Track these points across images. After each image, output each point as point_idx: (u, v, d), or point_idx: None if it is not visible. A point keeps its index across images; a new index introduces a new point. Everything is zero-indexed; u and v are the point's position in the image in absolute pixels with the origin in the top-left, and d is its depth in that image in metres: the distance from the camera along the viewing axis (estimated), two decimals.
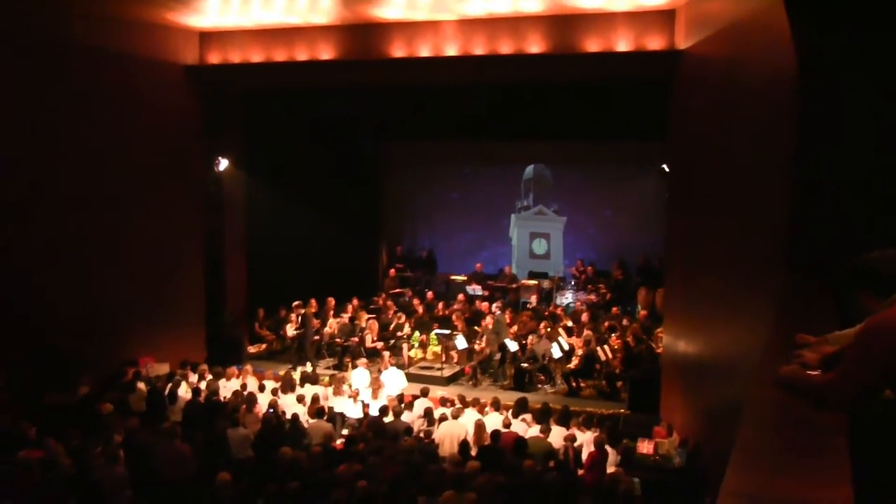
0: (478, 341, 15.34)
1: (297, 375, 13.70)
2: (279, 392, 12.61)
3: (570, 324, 16.06)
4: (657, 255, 17.16)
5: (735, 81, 9.20)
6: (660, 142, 13.93)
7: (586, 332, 15.10)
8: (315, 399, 12.00)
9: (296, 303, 16.46)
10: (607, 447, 10.21)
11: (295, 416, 11.22)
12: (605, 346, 14.61)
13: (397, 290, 19.24)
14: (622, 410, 13.17)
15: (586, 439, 10.75)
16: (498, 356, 14.98)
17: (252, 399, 11.93)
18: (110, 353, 13.59)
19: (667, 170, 14.14)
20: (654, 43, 12.81)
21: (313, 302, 16.78)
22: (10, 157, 12.08)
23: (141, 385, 12.65)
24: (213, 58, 15.47)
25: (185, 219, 15.49)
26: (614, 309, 17.14)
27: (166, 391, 12.51)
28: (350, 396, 12.72)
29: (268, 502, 7.86)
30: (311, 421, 11.41)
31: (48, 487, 8.08)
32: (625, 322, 16.02)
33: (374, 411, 12.05)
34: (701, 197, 10.87)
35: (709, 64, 10.77)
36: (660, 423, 11.83)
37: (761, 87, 8.03)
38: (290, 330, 16.38)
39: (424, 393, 12.50)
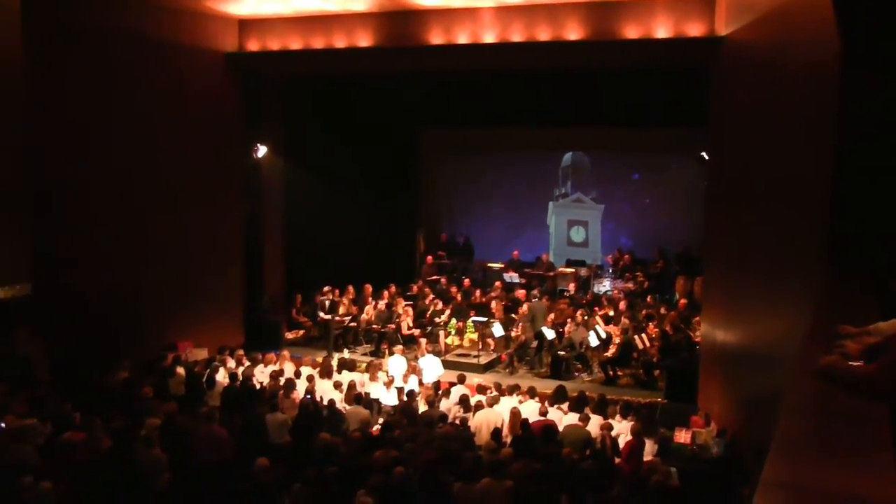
0: (514, 329, 15.30)
1: (334, 362, 13.76)
2: (316, 378, 12.67)
3: (610, 313, 15.95)
4: (696, 244, 16.98)
5: (777, 68, 9.06)
6: (699, 129, 13.77)
7: (623, 321, 15.02)
8: (352, 385, 12.04)
9: (325, 288, 16.45)
10: (644, 436, 10.16)
11: (332, 402, 11.27)
12: (643, 335, 14.52)
13: (434, 277, 19.25)
14: (659, 399, 13.07)
15: (623, 428, 10.70)
16: (534, 344, 14.95)
17: (289, 385, 12.01)
18: (150, 338, 13.81)
19: (706, 157, 13.98)
20: (694, 29, 12.65)
21: (350, 288, 16.87)
22: (57, 143, 12.29)
23: (180, 370, 12.81)
24: (253, 45, 15.57)
25: (224, 205, 15.66)
26: (650, 297, 17.04)
27: (204, 376, 12.63)
28: (385, 384, 12.76)
29: (306, 486, 7.92)
30: (348, 407, 11.47)
31: (89, 468, 8.22)
32: (662, 310, 15.90)
33: (406, 397, 12.06)
34: (741, 185, 10.73)
35: (750, 50, 10.62)
36: (697, 413, 11.70)
37: (804, 73, 7.90)
38: (322, 316, 16.49)
39: (461, 380, 12.50)
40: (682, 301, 16.24)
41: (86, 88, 12.65)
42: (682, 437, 10.92)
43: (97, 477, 8.12)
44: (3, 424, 9.11)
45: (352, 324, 16.43)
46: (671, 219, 19.45)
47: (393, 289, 17.65)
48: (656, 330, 14.74)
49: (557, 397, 11.69)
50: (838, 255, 6.24)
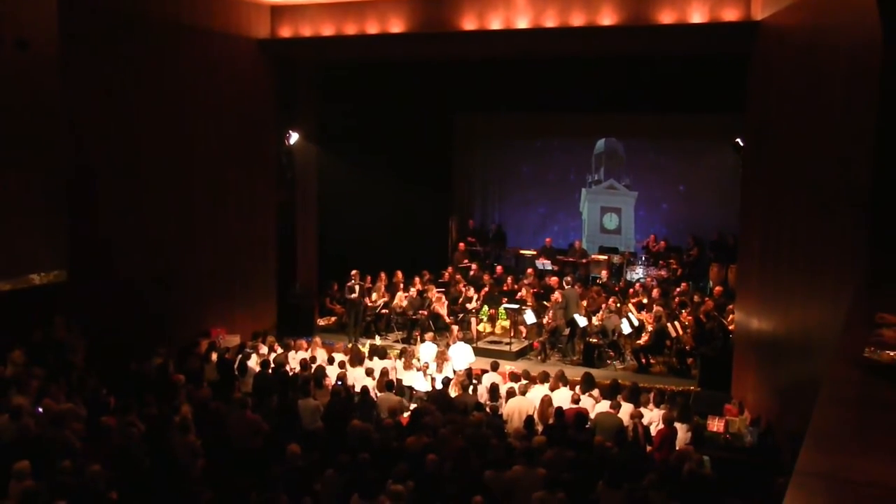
0: (546, 316, 15.27)
1: (365, 349, 13.83)
2: (347, 364, 12.73)
3: (643, 300, 15.87)
4: (731, 231, 16.84)
5: (816, 53, 8.93)
6: (735, 114, 13.63)
7: (657, 308, 14.92)
8: (384, 372, 12.06)
9: (353, 272, 16.34)
10: (677, 424, 10.09)
11: (364, 389, 11.32)
12: (676, 322, 14.43)
13: (466, 264, 19.25)
14: (692, 387, 13.03)
15: (655, 416, 10.64)
16: (567, 331, 14.91)
17: (321, 371, 12.08)
18: (185, 325, 13.95)
19: (741, 144, 13.83)
20: (730, 14, 12.47)
21: (382, 275, 16.93)
22: (93, 128, 12.43)
23: (214, 356, 12.93)
24: (285, 31, 15.61)
25: (257, 191, 15.75)
26: (684, 284, 16.92)
27: (236, 363, 12.73)
28: (419, 370, 12.79)
29: (338, 472, 7.97)
30: (380, 394, 11.53)
31: (126, 453, 8.33)
32: (696, 298, 15.79)
33: (439, 384, 12.09)
34: (778, 171, 10.61)
35: (788, 35, 10.46)
36: (731, 401, 11.65)
37: (844, 58, 7.78)
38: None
39: (494, 367, 12.49)
40: (717, 289, 16.14)
41: (121, 75, 12.74)
42: (716, 425, 10.85)
43: (133, 461, 8.22)
44: (41, 409, 9.25)
45: (384, 310, 16.47)
46: (706, 206, 19.30)
47: (425, 275, 17.68)
48: (690, 318, 14.64)
49: (587, 385, 11.64)
50: (878, 242, 6.16)
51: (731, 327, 13.69)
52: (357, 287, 16.08)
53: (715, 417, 11.05)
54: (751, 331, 11.99)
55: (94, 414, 9.39)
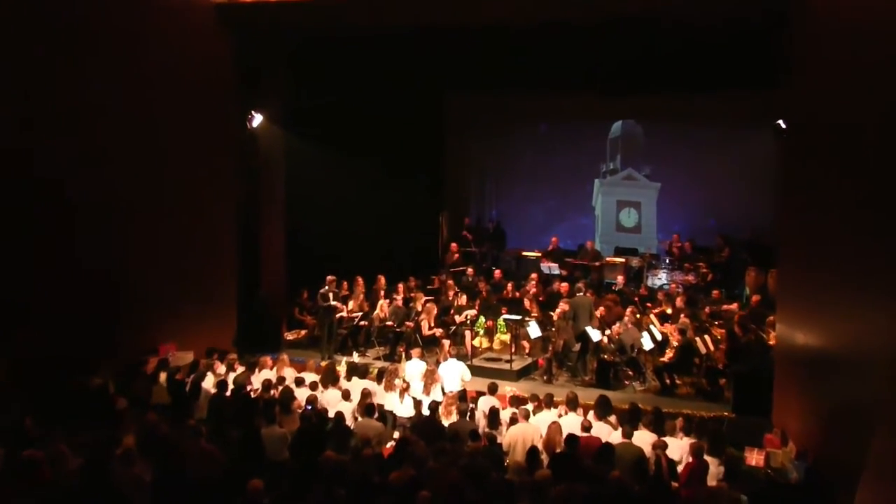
0: (554, 329, 15.17)
1: (342, 367, 13.71)
2: (320, 386, 12.62)
3: (667, 310, 15.82)
4: (769, 228, 16.75)
5: (878, 10, 8.81)
6: (775, 92, 13.56)
7: (683, 319, 14.86)
8: (364, 394, 11.96)
9: (329, 277, 16.24)
10: (707, 457, 9.99)
11: (340, 415, 11.19)
12: (706, 336, 14.38)
13: (459, 268, 19.16)
14: (726, 413, 12.92)
15: (682, 447, 10.53)
16: (577, 347, 14.82)
17: (288, 393, 11.95)
18: (129, 339, 13.72)
19: (783, 126, 13.75)
20: None
21: (360, 280, 16.82)
22: (20, 114, 12.17)
23: (163, 376, 12.77)
24: None
25: (214, 183, 15.53)
26: (715, 292, 16.88)
27: (189, 384, 12.58)
28: (400, 391, 12.69)
29: None
30: (358, 420, 11.41)
31: (57, 489, 8.17)
32: (729, 307, 15.74)
33: (427, 410, 11.97)
34: (826, 158, 10.52)
35: None
36: (772, 430, 11.56)
37: None
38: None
39: (492, 389, 12.38)
40: (754, 297, 16.09)
41: (44, 44, 12.44)
42: (755, 458, 10.77)
43: (66, 500, 8.06)
44: None
45: (362, 322, 16.34)
46: (741, 199, 19.27)
47: (412, 282, 17.58)
48: (722, 330, 14.62)
49: (602, 409, 11.54)
50: None
51: (771, 342, 13.62)
52: (332, 295, 15.92)
53: (753, 449, 10.95)
54: (795, 346, 11.90)
55: (17, 444, 9.20)
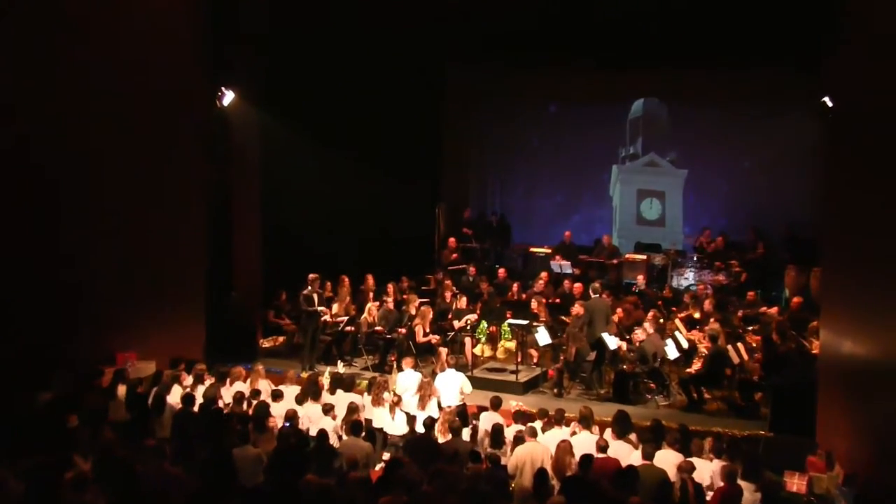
0: (565, 335, 15.12)
1: (325, 378, 13.66)
2: (301, 400, 12.58)
3: (695, 315, 15.80)
4: (811, 222, 16.73)
5: None
6: (820, 65, 13.51)
7: (713, 325, 14.85)
8: (351, 409, 11.93)
9: (311, 276, 16.14)
10: (741, 482, 9.94)
11: (322, 433, 11.16)
12: (739, 344, 14.37)
13: (458, 266, 19.12)
14: (762, 432, 12.87)
15: (712, 470, 10.51)
16: (592, 356, 14.80)
17: (264, 409, 11.88)
18: (82, 348, 13.66)
19: (829, 105, 13.71)
20: None
21: (346, 280, 16.75)
22: None
23: (121, 389, 12.72)
24: None
25: (179, 171, 15.43)
26: (750, 294, 16.86)
27: (151, 398, 12.54)
28: (391, 405, 12.67)
29: None
30: (344, 438, 11.38)
31: None
32: (766, 311, 15.70)
33: (421, 427, 11.95)
34: (880, 141, 10.45)
35: None
36: (815, 451, 11.55)
37: None
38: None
39: (495, 404, 12.34)
40: (794, 299, 16.08)
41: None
42: (796, 483, 10.76)
43: None
44: None
45: (348, 328, 16.31)
46: (779, 189, 19.28)
47: (404, 282, 17.55)
48: (758, 338, 14.62)
49: (622, 426, 11.50)
50: None
51: (814, 351, 13.61)
52: (316, 297, 15.85)
53: (794, 473, 10.94)
54: (842, 355, 11.85)
55: None
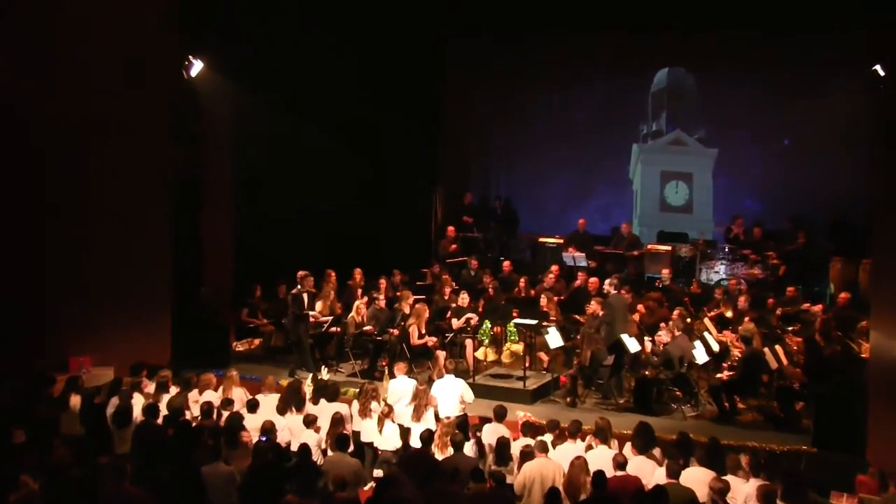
0: (579, 337, 15.14)
1: (307, 386, 13.63)
2: (280, 411, 12.56)
3: (727, 313, 15.78)
4: (860, 207, 16.68)
5: None
6: (869, 30, 13.46)
7: (747, 325, 14.82)
8: (337, 421, 11.91)
9: (301, 273, 16.14)
10: (781, 503, 9.90)
11: (304, 448, 11.13)
12: (777, 346, 14.35)
13: (458, 259, 19.09)
14: (804, 447, 12.79)
15: (747, 490, 10.45)
16: (610, 360, 14.76)
17: (237, 421, 11.87)
18: (30, 352, 13.66)
19: (881, 73, 13.66)
20: None
21: (331, 275, 16.74)
22: None
23: (75, 399, 12.67)
24: None
25: (140, 152, 15.37)
26: (789, 289, 16.85)
27: (110, 409, 12.49)
28: (381, 416, 12.63)
29: None
30: (330, 454, 11.40)
31: None
32: (808, 308, 15.68)
33: (417, 441, 11.93)
34: None
35: None
36: (866, 470, 11.50)
37: None
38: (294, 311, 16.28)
39: (499, 415, 12.32)
40: (841, 295, 16.06)
41: None
42: None
43: None
44: None
45: (334, 329, 16.30)
46: (823, 171, 19.28)
47: (397, 276, 17.52)
48: (799, 339, 14.58)
49: (644, 440, 11.46)
50: None
51: (863, 354, 13.62)
52: (306, 297, 15.78)
53: (842, 495, 10.92)
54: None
55: None
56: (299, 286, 15.76)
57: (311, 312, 15.95)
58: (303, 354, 15.89)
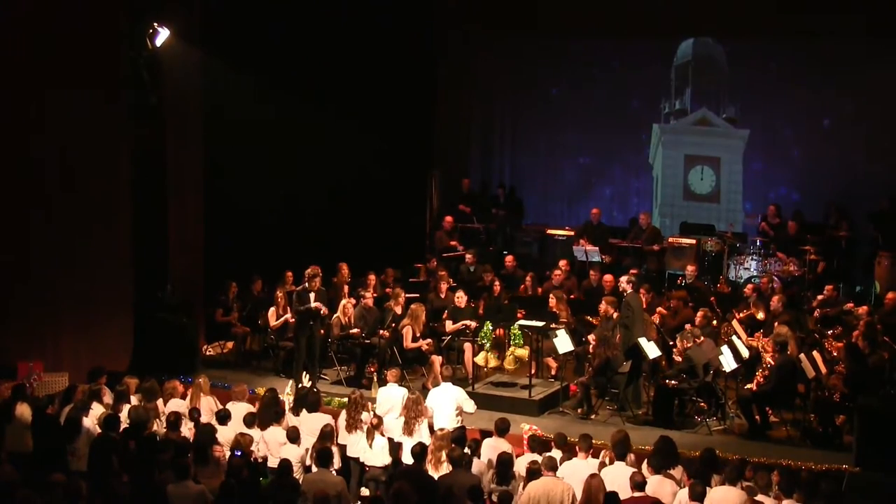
0: (592, 340, 15.17)
1: (286, 395, 13.65)
2: (256, 423, 12.60)
3: (758, 315, 15.80)
4: None
5: None
6: None
7: (781, 328, 14.78)
8: (326, 434, 11.93)
9: (310, 269, 15.89)
10: None
11: (284, 465, 11.16)
12: (815, 353, 14.29)
13: (455, 253, 19.11)
14: (845, 466, 12.80)
15: None
16: (627, 367, 14.78)
17: (208, 434, 11.91)
18: None
19: None
20: None
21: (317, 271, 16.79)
22: None
23: (24, 409, 12.66)
24: None
25: (97, 126, 15.41)
26: (828, 288, 16.85)
27: (63, 419, 12.53)
28: (369, 427, 12.66)
29: None
30: (314, 470, 11.44)
31: None
32: (851, 309, 15.71)
33: (408, 456, 11.95)
34: None
35: None
36: None
37: None
38: (272, 319, 16.38)
39: (501, 428, 12.34)
40: (889, 295, 16.03)
41: None
42: None
43: None
44: None
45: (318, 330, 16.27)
46: (868, 155, 19.31)
47: (388, 273, 17.53)
48: (840, 344, 14.56)
49: (664, 457, 11.49)
50: None
51: None
52: (312, 296, 15.63)
53: None
54: None
55: None
56: (306, 283, 15.58)
57: (316, 305, 15.55)
58: (299, 354, 15.66)
